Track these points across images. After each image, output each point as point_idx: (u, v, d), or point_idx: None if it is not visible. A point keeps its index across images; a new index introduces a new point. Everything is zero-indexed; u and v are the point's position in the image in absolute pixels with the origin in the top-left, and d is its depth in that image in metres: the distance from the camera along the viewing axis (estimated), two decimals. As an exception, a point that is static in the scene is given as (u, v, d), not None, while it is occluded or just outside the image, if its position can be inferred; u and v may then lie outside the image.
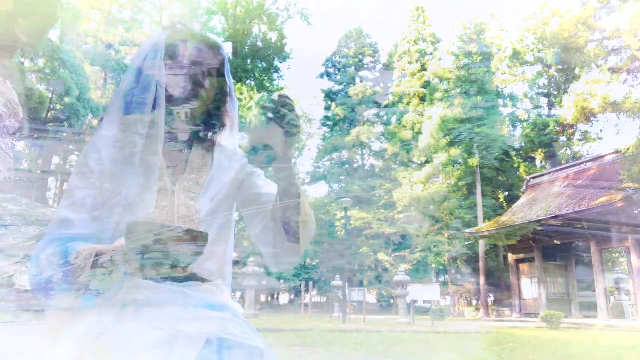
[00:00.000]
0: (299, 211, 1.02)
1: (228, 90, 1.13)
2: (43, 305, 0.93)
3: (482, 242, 22.81)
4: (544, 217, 16.89)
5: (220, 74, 1.11)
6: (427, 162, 27.24)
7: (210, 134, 1.14)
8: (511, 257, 20.22)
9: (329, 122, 34.36)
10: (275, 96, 0.95)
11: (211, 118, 1.12)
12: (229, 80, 1.13)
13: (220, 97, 1.12)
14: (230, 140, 1.18)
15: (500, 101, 27.05)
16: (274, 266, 1.10)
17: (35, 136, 18.15)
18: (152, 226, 0.81)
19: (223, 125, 1.15)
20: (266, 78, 29.14)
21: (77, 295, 0.86)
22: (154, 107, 1.00)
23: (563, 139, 24.06)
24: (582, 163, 19.33)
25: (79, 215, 0.96)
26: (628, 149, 14.95)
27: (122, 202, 0.97)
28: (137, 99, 1.01)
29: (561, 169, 20.19)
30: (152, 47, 1.05)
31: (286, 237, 1.05)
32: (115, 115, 1.04)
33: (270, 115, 0.95)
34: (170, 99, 1.03)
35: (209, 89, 1.08)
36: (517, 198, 22.03)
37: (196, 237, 0.84)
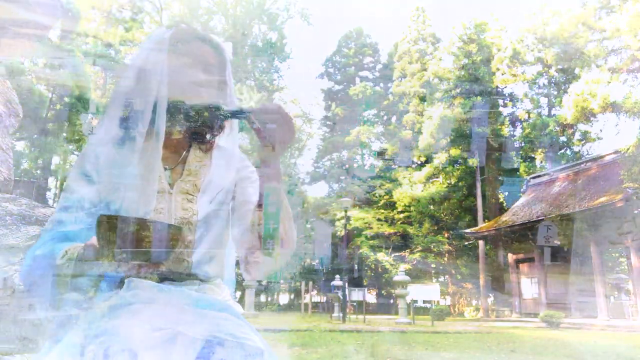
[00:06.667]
0: (277, 226, 0.96)
1: (229, 91, 1.13)
2: (40, 306, 0.94)
3: (481, 242, 22.82)
4: (544, 217, 16.89)
5: (222, 75, 1.10)
6: (427, 162, 27.27)
7: (209, 136, 1.13)
8: (511, 257, 20.22)
9: (329, 122, 34.37)
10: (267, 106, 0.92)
11: (211, 119, 1.11)
12: (230, 82, 1.13)
13: (221, 98, 1.11)
14: (230, 142, 1.17)
15: (500, 101, 27.05)
16: (245, 272, 1.06)
17: (35, 136, 18.15)
18: (123, 219, 0.81)
19: (222, 127, 1.14)
20: (266, 78, 29.16)
21: (67, 295, 0.86)
22: (154, 106, 1.00)
23: (563, 139, 24.06)
24: (582, 163, 19.33)
25: (74, 215, 0.96)
26: (628, 149, 14.97)
27: (119, 200, 0.97)
28: (139, 97, 1.01)
29: (561, 169, 20.19)
30: (155, 45, 1.04)
31: (261, 247, 0.98)
32: (114, 114, 1.04)
33: (257, 123, 0.91)
34: (171, 99, 1.03)
35: (211, 90, 1.07)
36: (517, 198, 22.04)
37: (168, 231, 0.83)
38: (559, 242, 17.45)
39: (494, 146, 24.57)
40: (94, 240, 0.84)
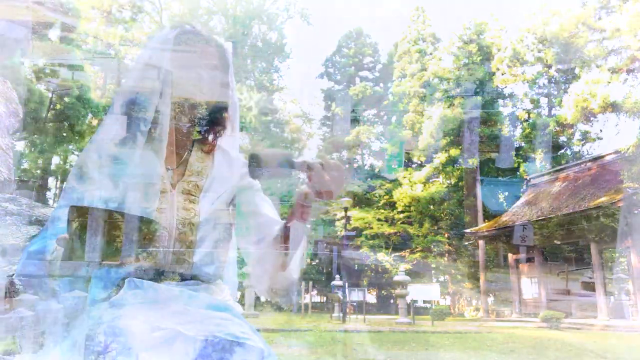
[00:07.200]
0: (294, 256, 1.03)
1: (230, 92, 1.13)
2: (40, 305, 0.94)
3: (481, 242, 22.81)
4: (543, 217, 16.89)
5: (225, 76, 1.11)
6: (427, 162, 27.27)
7: (211, 137, 1.14)
8: (511, 257, 20.21)
9: (329, 122, 34.37)
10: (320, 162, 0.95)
11: (213, 120, 1.12)
12: (232, 83, 1.13)
13: (224, 99, 1.12)
14: (230, 142, 1.17)
15: (500, 101, 27.04)
16: (263, 290, 1.08)
17: (35, 136, 18.15)
18: (95, 210, 0.80)
19: (224, 128, 1.14)
20: (266, 78, 29.16)
21: (59, 290, 0.87)
22: (157, 106, 1.00)
23: (563, 139, 24.05)
24: (582, 163, 19.31)
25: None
26: (628, 149, 14.98)
27: (119, 199, 0.97)
28: (142, 96, 1.01)
29: (561, 169, 20.18)
30: (160, 45, 1.05)
31: (279, 265, 1.04)
32: (117, 113, 1.04)
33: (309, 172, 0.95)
34: (174, 99, 1.03)
35: (214, 91, 1.08)
36: (517, 198, 22.03)
37: (140, 225, 0.82)
38: (533, 243, 17.39)
39: (493, 146, 24.56)
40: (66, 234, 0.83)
